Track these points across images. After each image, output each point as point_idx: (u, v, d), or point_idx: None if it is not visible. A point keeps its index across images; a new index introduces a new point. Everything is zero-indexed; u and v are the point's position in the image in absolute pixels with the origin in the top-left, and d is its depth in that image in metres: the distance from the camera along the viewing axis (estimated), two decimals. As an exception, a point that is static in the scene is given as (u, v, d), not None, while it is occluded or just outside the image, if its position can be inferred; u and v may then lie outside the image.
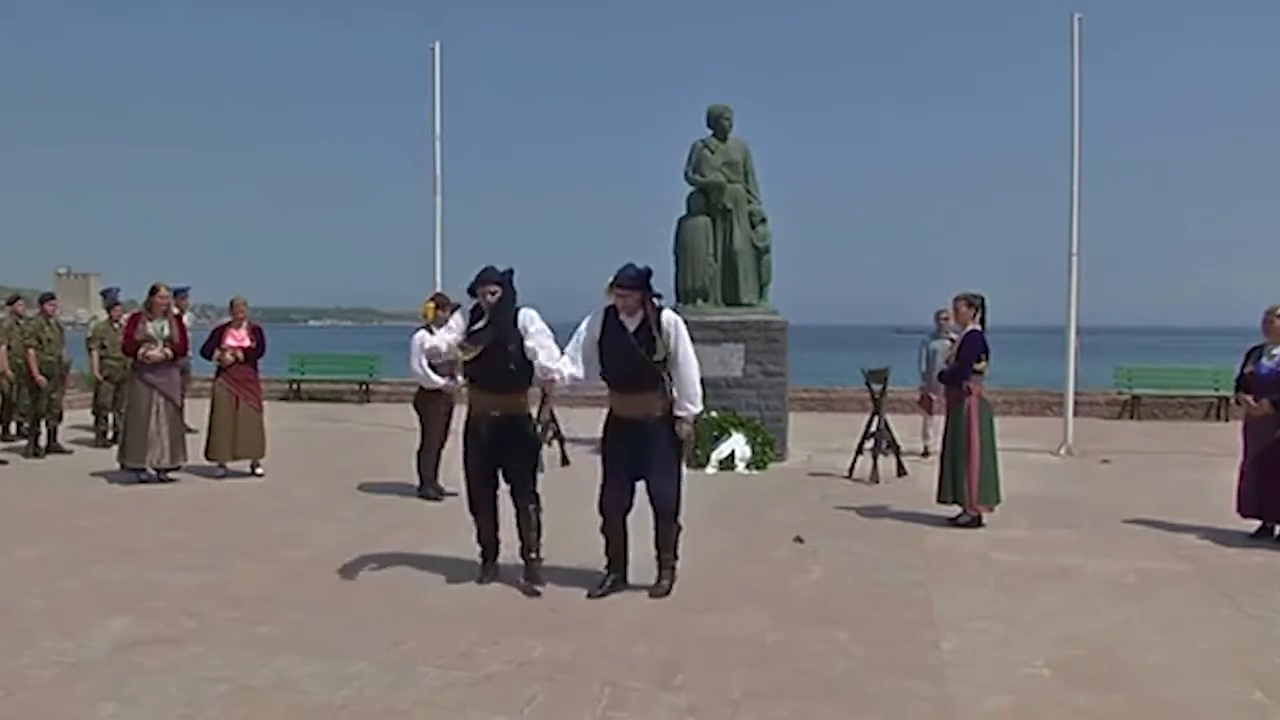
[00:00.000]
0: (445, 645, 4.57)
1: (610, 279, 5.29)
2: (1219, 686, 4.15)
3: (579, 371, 5.39)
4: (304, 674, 4.21)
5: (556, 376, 5.31)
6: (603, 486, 5.44)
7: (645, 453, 5.31)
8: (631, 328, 5.26)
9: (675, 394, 5.28)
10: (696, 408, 5.34)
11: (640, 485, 5.42)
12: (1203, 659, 4.48)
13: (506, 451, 5.58)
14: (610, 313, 5.34)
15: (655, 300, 5.30)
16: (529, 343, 5.37)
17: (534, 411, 5.74)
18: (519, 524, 5.67)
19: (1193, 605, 5.34)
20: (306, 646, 4.55)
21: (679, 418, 5.29)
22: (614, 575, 5.48)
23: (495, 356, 5.43)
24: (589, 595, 5.36)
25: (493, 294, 5.42)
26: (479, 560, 5.77)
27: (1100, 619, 5.07)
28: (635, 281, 5.22)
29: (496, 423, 5.53)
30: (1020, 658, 4.48)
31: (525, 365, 5.47)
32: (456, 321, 5.63)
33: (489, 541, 5.76)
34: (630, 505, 5.44)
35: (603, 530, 5.47)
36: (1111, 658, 4.50)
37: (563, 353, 5.41)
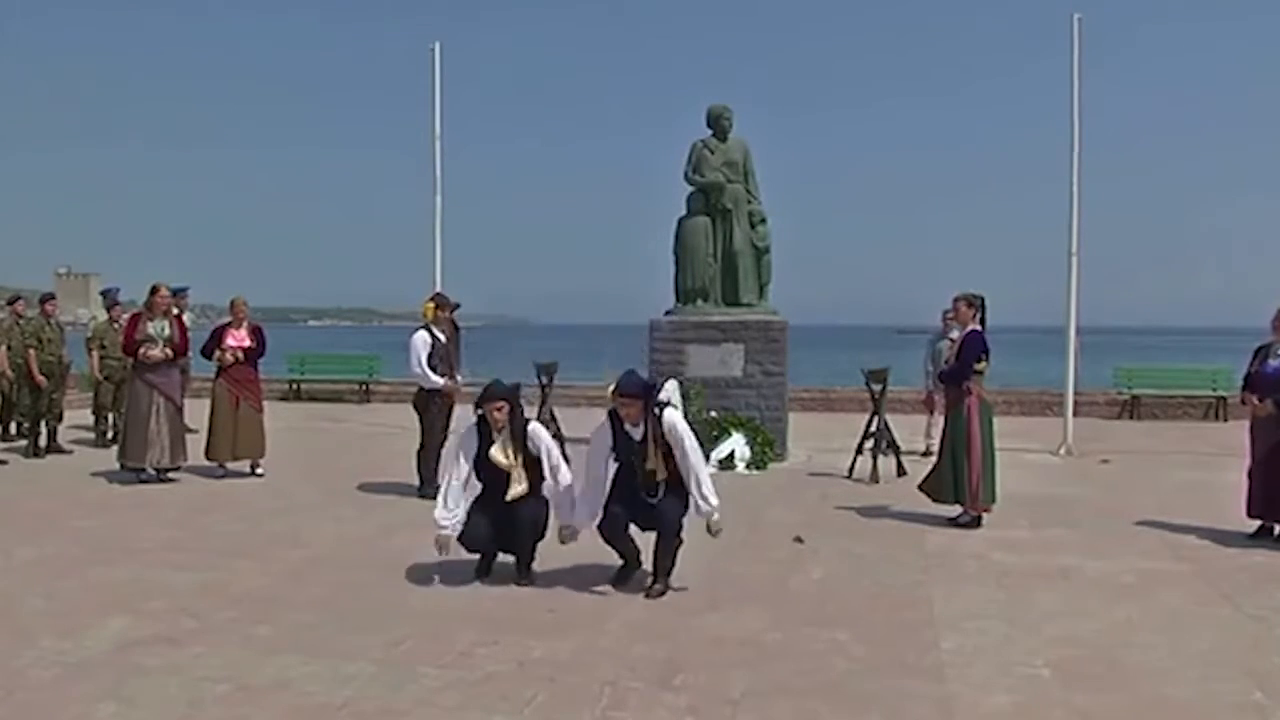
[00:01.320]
0: (445, 645, 4.58)
1: (612, 386, 5.43)
2: (1219, 686, 4.16)
3: (595, 517, 5.54)
4: (304, 674, 4.21)
5: (577, 528, 5.57)
6: (604, 511, 5.51)
7: (651, 511, 5.42)
8: (637, 437, 5.39)
9: (692, 490, 5.37)
10: (716, 501, 5.41)
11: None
12: (1202, 659, 4.48)
13: (513, 533, 5.63)
14: (615, 420, 5.47)
15: (657, 410, 5.40)
16: (546, 463, 5.58)
17: (540, 491, 5.78)
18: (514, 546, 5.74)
19: (1193, 605, 5.34)
20: (306, 646, 4.55)
21: (705, 514, 5.39)
22: (628, 566, 5.65)
23: (506, 475, 5.53)
24: (611, 582, 5.53)
25: (499, 409, 5.52)
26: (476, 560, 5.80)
27: (1100, 619, 5.07)
28: (637, 390, 5.37)
29: (507, 507, 5.57)
30: (1020, 658, 4.48)
31: (534, 469, 5.60)
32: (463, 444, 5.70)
33: (488, 562, 5.80)
34: (628, 526, 5.54)
35: (607, 544, 5.60)
36: (1111, 658, 4.50)
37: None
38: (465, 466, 5.62)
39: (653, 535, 5.51)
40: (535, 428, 5.66)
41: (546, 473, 5.60)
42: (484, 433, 5.60)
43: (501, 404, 5.53)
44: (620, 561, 5.66)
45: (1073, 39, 11.49)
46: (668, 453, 5.35)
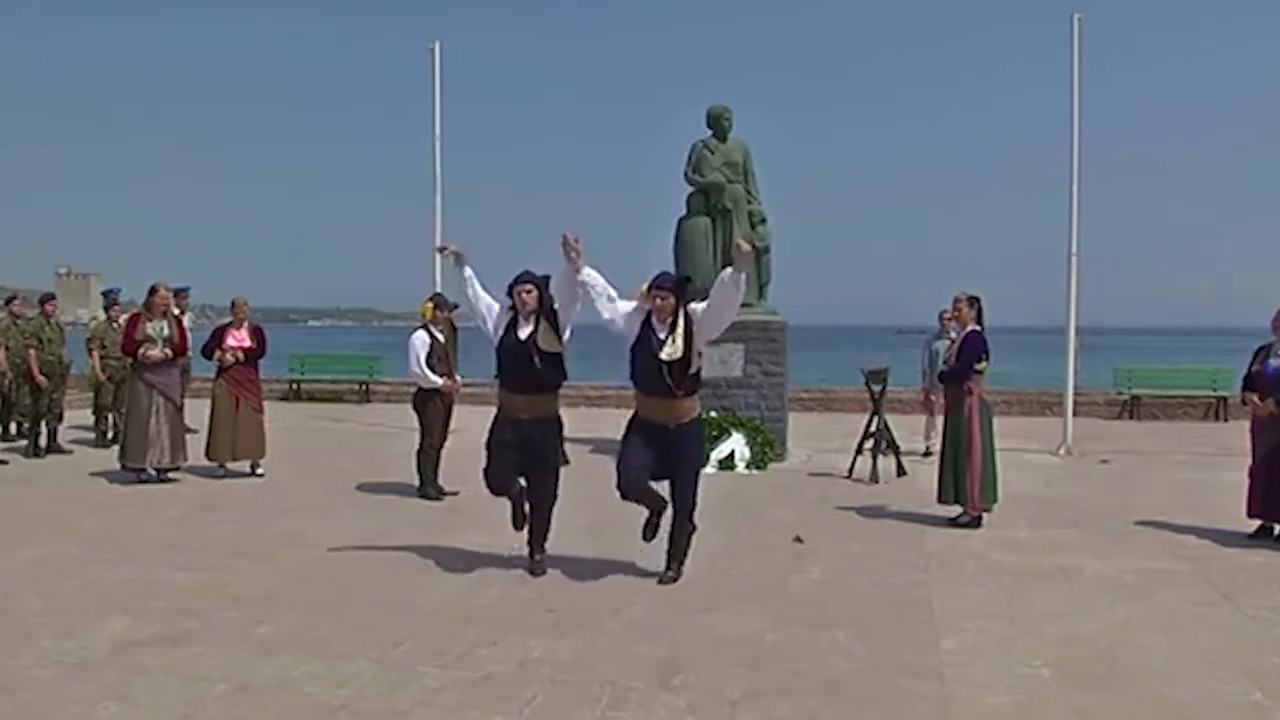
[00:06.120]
0: (445, 645, 4.57)
1: (645, 284, 5.44)
2: (1218, 686, 4.15)
3: (597, 295, 5.47)
4: (304, 674, 4.21)
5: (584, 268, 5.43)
6: (619, 470, 5.51)
7: (670, 455, 5.46)
8: (662, 334, 5.38)
9: (729, 279, 5.30)
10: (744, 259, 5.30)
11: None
12: (1202, 659, 4.48)
13: (533, 457, 5.66)
14: (646, 320, 5.47)
15: (688, 313, 5.42)
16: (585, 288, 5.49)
17: (561, 415, 5.89)
18: (531, 521, 5.80)
19: (1193, 605, 5.34)
20: (306, 646, 4.55)
21: (736, 267, 5.26)
22: (654, 518, 5.63)
23: (528, 361, 5.53)
24: (643, 538, 5.59)
25: (529, 293, 5.56)
26: (512, 523, 5.82)
27: (1100, 619, 5.07)
28: (673, 284, 5.40)
29: (525, 426, 5.61)
30: (1020, 658, 4.48)
31: (557, 367, 5.63)
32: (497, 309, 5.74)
33: (519, 513, 5.79)
34: (647, 480, 5.53)
35: (627, 498, 5.55)
36: (1111, 658, 4.50)
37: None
38: (495, 308, 5.69)
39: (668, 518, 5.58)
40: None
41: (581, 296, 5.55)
42: (513, 319, 5.64)
43: (531, 287, 5.57)
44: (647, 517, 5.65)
45: (1073, 39, 11.49)
46: (688, 339, 5.35)
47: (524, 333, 5.59)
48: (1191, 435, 13.19)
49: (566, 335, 5.68)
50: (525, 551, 5.86)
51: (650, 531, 5.64)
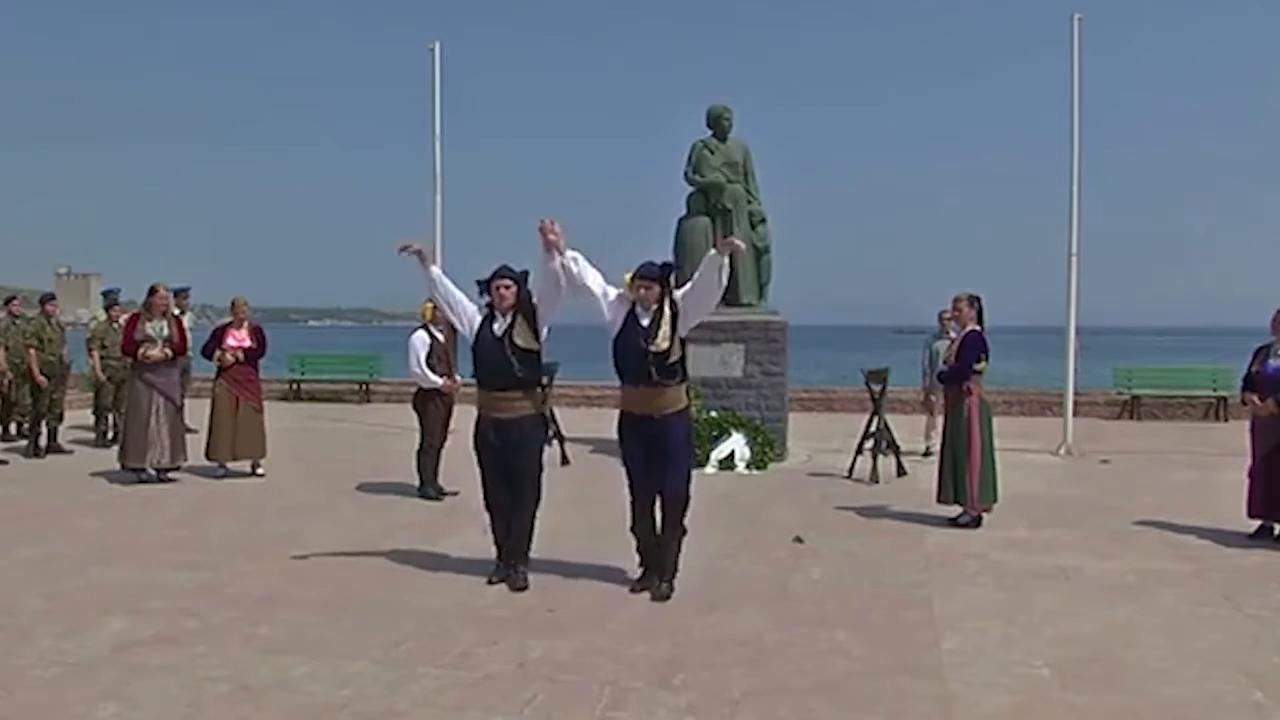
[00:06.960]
0: (445, 645, 4.58)
1: (629, 274, 5.36)
2: (1218, 686, 4.15)
3: (585, 274, 5.38)
4: (304, 674, 4.21)
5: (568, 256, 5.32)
6: (631, 491, 5.51)
7: (660, 447, 5.36)
8: (645, 322, 5.32)
9: (712, 259, 5.21)
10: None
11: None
12: (1202, 659, 4.48)
13: (513, 456, 5.54)
14: (630, 310, 5.40)
15: (673, 299, 5.36)
16: (560, 283, 5.38)
17: (543, 412, 5.82)
18: (510, 529, 5.62)
19: (1193, 605, 5.34)
20: (306, 646, 4.55)
21: (722, 246, 5.19)
22: (649, 571, 5.56)
23: (503, 358, 5.44)
24: (630, 590, 5.44)
25: (507, 288, 5.45)
26: (495, 558, 5.72)
27: (1100, 619, 5.07)
28: (656, 273, 5.32)
29: (504, 426, 5.52)
30: (1020, 658, 4.48)
31: (533, 365, 5.53)
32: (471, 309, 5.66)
33: (504, 541, 5.71)
34: (654, 527, 5.53)
35: (634, 530, 5.54)
36: (1111, 658, 4.50)
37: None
38: (470, 308, 5.61)
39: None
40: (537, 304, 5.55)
41: (565, 282, 5.41)
42: (489, 315, 5.54)
43: (509, 282, 5.45)
44: (640, 569, 5.58)
45: (1073, 39, 11.49)
46: (674, 327, 5.30)
47: (499, 329, 5.47)
48: (1191, 435, 13.19)
49: (544, 333, 5.56)
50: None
51: (640, 586, 5.46)
